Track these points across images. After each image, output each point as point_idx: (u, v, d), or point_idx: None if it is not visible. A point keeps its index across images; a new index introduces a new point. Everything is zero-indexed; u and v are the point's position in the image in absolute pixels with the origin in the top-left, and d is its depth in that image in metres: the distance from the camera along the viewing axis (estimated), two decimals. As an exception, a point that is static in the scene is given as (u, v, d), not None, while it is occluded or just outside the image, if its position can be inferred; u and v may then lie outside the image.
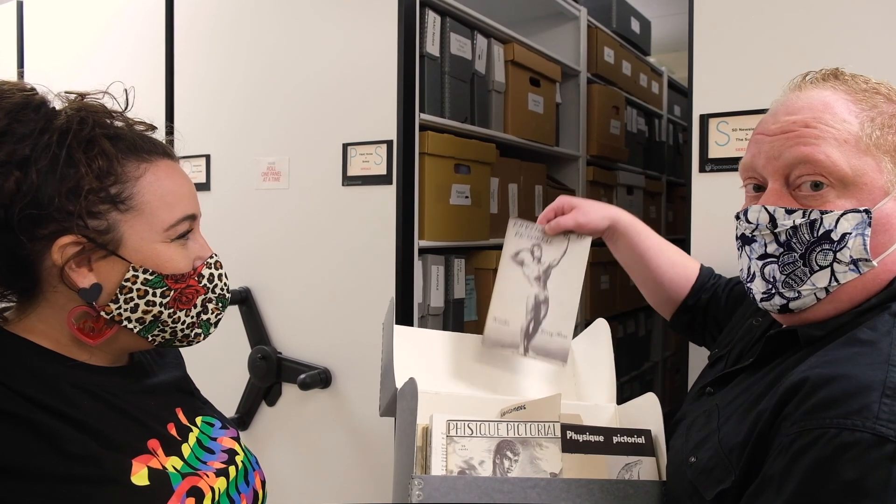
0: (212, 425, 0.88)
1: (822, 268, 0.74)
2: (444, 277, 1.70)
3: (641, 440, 0.91)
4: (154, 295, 0.76)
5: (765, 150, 0.78)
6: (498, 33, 1.90)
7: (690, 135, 1.37)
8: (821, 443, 0.61)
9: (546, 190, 2.17)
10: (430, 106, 1.65)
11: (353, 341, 1.61)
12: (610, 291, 2.53)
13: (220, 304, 0.84)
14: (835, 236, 0.73)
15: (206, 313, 0.82)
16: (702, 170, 1.35)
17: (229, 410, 1.78)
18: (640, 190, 2.84)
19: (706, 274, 1.16)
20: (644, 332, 2.93)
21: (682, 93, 3.41)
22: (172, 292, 0.78)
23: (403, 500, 0.83)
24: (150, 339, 0.79)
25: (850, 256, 0.73)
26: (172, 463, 0.77)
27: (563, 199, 1.14)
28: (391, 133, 1.53)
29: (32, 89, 0.74)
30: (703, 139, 1.35)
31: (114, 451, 0.72)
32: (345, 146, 1.60)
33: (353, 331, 1.61)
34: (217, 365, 1.77)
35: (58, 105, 0.76)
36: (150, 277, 0.76)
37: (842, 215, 0.73)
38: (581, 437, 0.90)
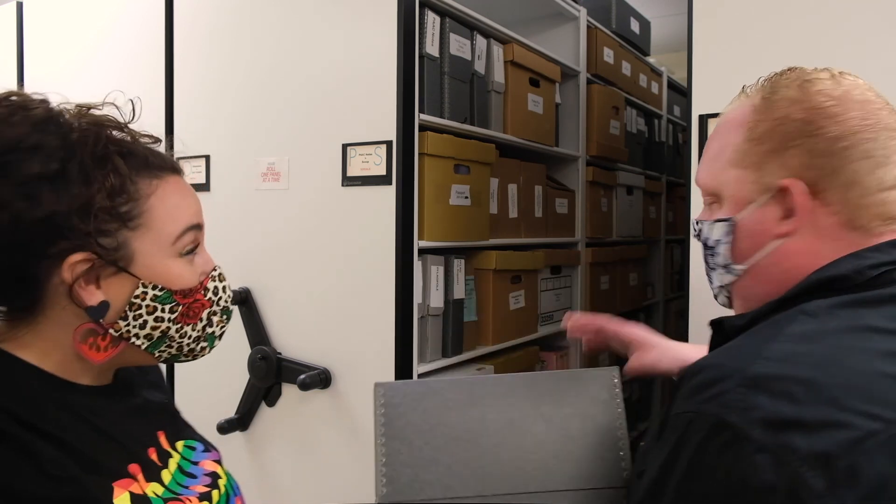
0: (193, 449, 0.87)
1: (712, 269, 0.83)
2: (444, 278, 1.70)
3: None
4: (163, 311, 0.76)
5: None
6: (497, 34, 1.90)
7: (690, 135, 1.37)
8: (679, 427, 0.64)
9: (546, 190, 2.17)
10: (430, 106, 1.65)
11: (353, 342, 1.61)
12: (610, 291, 2.53)
13: (225, 317, 0.84)
14: (711, 243, 0.81)
15: (211, 326, 0.82)
16: (701, 170, 1.35)
17: (229, 411, 1.78)
18: (639, 190, 2.84)
19: None
20: (644, 333, 2.93)
21: (682, 93, 3.41)
22: (181, 307, 0.77)
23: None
24: (157, 354, 0.79)
25: (721, 261, 0.80)
26: (153, 489, 0.75)
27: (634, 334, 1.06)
28: (391, 133, 1.53)
29: (45, 100, 0.73)
30: (703, 139, 1.35)
31: (95, 474, 0.70)
32: (344, 147, 1.61)
33: (353, 331, 1.61)
34: (217, 365, 1.77)
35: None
36: (159, 293, 0.75)
37: (711, 224, 0.80)
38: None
